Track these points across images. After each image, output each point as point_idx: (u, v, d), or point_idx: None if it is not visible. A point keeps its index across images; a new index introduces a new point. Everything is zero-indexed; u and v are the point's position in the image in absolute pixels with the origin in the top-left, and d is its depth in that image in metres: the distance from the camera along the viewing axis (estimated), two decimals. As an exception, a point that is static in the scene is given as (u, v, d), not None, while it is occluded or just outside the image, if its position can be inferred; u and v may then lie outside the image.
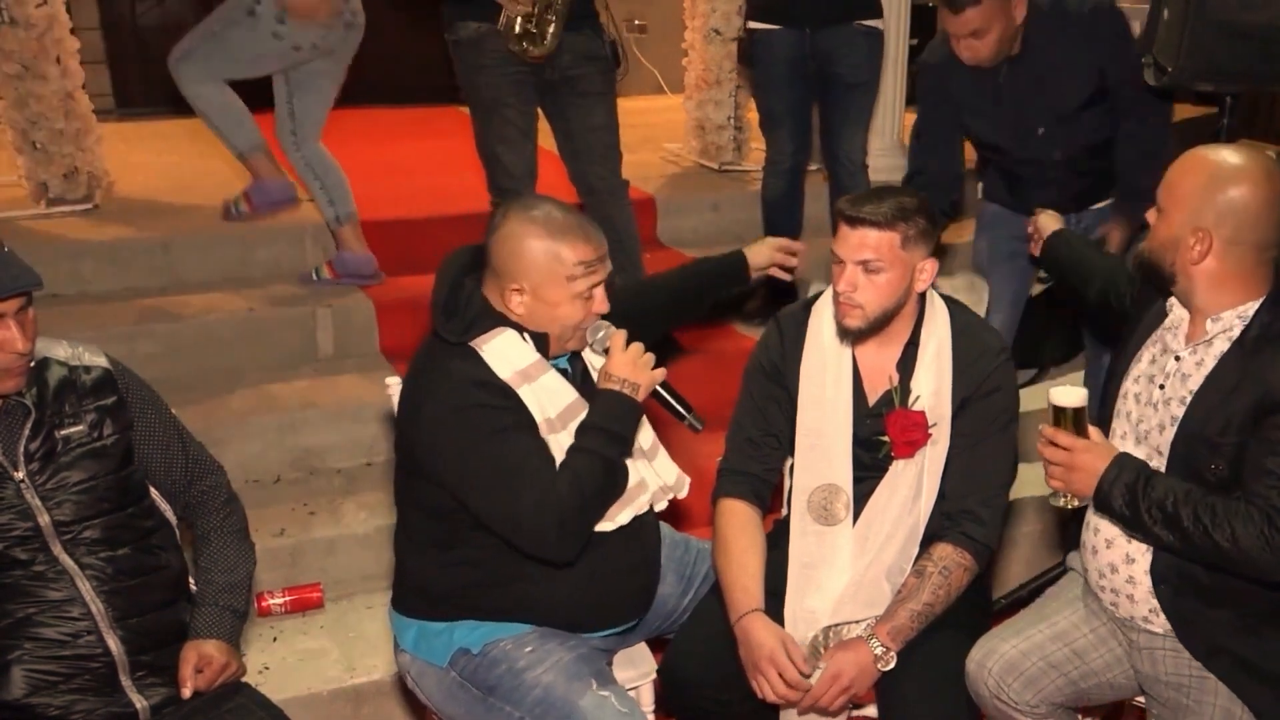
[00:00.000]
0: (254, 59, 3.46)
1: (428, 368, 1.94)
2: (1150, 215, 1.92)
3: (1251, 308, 1.83)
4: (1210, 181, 1.80)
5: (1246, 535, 1.74)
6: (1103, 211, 3.01)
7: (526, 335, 1.92)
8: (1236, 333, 1.84)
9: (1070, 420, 1.87)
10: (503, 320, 1.92)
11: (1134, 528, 1.86)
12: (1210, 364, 1.86)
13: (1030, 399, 2.75)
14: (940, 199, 2.94)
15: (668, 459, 2.12)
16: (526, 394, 1.89)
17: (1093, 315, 2.60)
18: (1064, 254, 2.49)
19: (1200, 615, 1.89)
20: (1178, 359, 1.91)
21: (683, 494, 2.12)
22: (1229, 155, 1.82)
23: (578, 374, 2.04)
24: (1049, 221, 2.57)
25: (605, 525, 1.94)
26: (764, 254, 2.38)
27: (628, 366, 1.91)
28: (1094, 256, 2.44)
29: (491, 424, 1.85)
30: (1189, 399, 1.86)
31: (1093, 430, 1.90)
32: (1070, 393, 1.88)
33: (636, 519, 2.00)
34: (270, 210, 3.79)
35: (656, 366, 1.96)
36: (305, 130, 3.57)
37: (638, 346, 1.93)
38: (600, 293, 1.94)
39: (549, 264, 1.88)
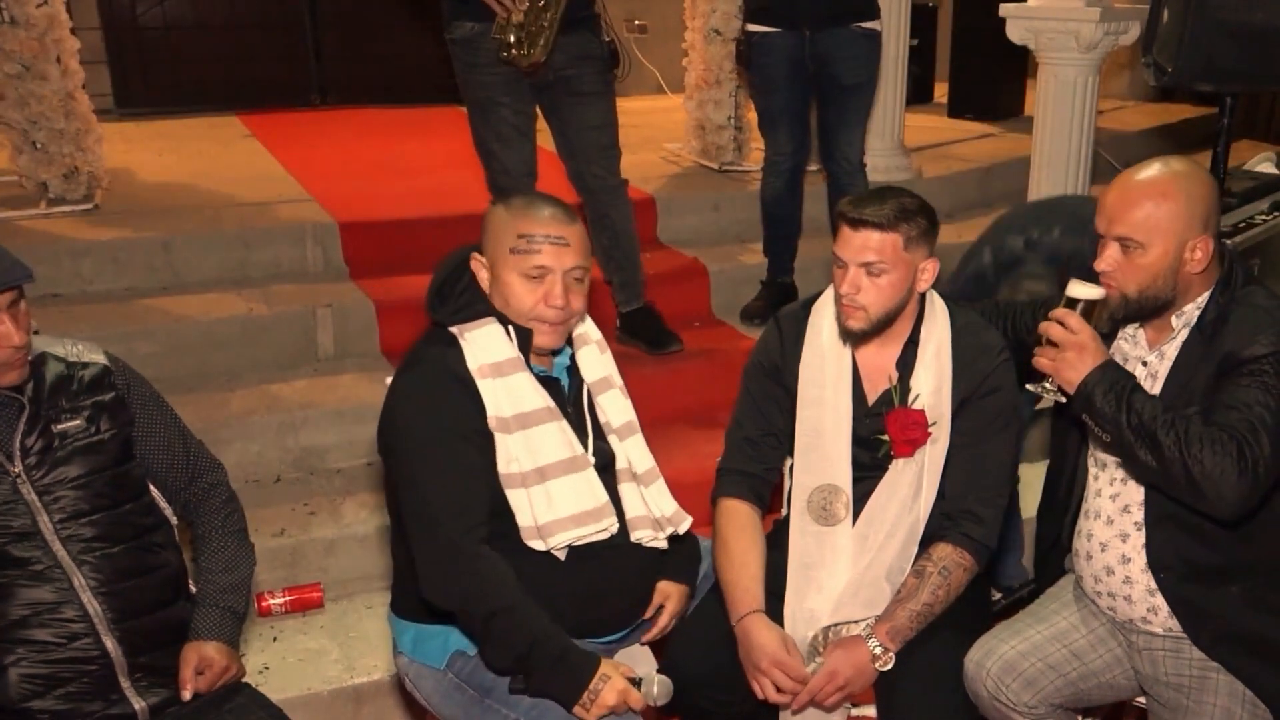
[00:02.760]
0: None
1: (408, 353, 1.98)
2: (1110, 262, 1.87)
3: (1205, 296, 1.89)
4: (1179, 193, 1.84)
5: (1213, 461, 1.72)
6: None
7: (511, 329, 1.92)
8: (1194, 320, 1.89)
9: (1080, 312, 1.87)
10: (493, 311, 1.93)
11: (1107, 426, 1.84)
12: (1174, 354, 1.91)
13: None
14: None
15: (666, 492, 2.08)
16: (486, 388, 1.88)
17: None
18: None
19: (1205, 597, 1.89)
20: (1145, 364, 1.95)
21: (682, 530, 2.07)
22: (1167, 165, 1.88)
23: (572, 391, 2.02)
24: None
25: (535, 543, 1.90)
26: None
27: (597, 702, 1.82)
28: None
29: (428, 426, 1.85)
30: (1160, 392, 1.90)
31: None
32: (1087, 286, 1.88)
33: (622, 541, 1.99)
34: None
35: None
36: None
37: (622, 697, 1.83)
38: (555, 283, 1.89)
39: (499, 236, 1.90)
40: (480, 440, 1.88)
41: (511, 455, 1.89)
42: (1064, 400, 1.93)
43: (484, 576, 1.83)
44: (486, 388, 1.89)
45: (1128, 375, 1.86)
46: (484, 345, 1.90)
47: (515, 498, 1.90)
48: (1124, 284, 1.88)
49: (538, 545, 1.90)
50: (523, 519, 1.90)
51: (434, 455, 1.86)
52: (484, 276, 1.95)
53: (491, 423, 1.88)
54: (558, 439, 1.92)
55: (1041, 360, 1.88)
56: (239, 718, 1.89)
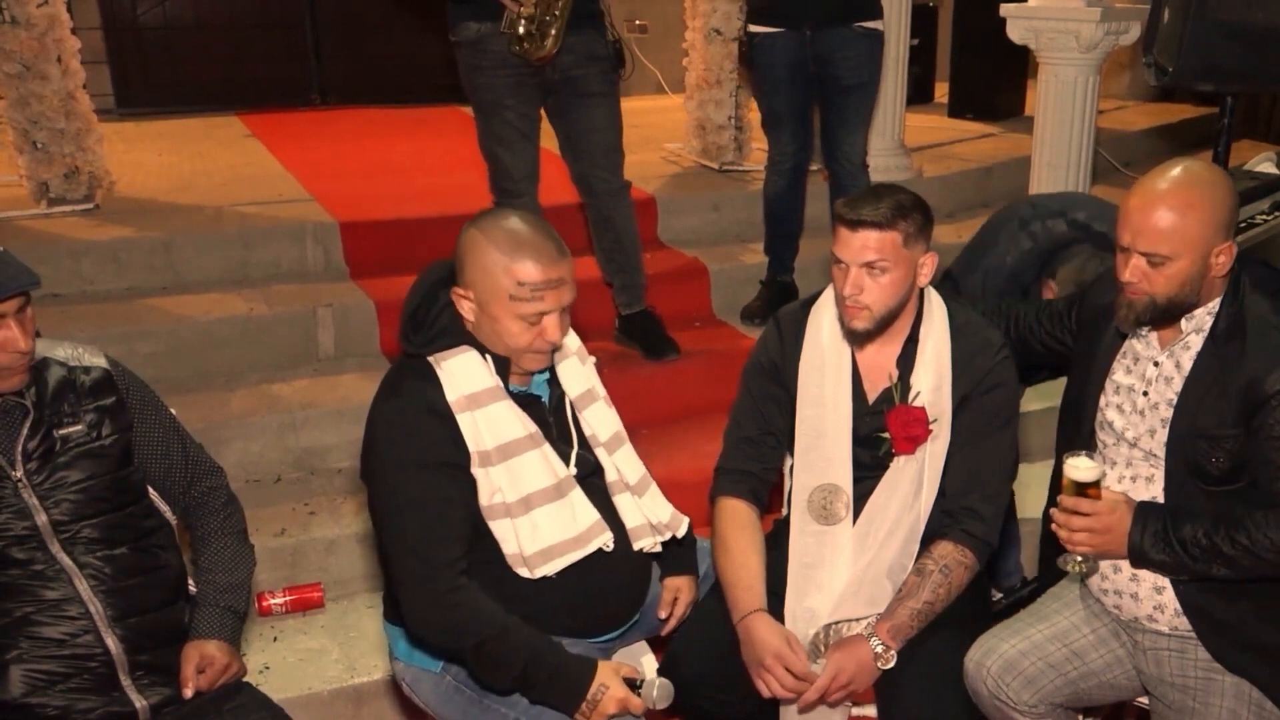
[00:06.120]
0: None
1: (385, 382, 1.95)
2: (1136, 273, 1.85)
3: (1217, 301, 1.88)
4: (1204, 203, 1.82)
5: None
6: None
7: (488, 357, 1.90)
8: (1207, 327, 1.88)
9: (1087, 493, 1.89)
10: (469, 339, 1.90)
11: (1178, 570, 1.87)
12: (1188, 363, 1.90)
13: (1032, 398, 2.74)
14: None
15: (660, 497, 2.09)
16: (465, 422, 1.86)
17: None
18: None
19: (1222, 609, 1.89)
20: (1156, 364, 1.94)
21: (681, 532, 2.08)
22: (1188, 173, 1.84)
23: (553, 402, 2.00)
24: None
25: (522, 570, 1.89)
26: None
27: (596, 710, 1.84)
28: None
29: (406, 458, 1.84)
30: (1175, 400, 1.89)
31: (1105, 491, 1.91)
32: (1086, 467, 1.88)
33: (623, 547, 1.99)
34: None
35: None
36: None
37: (621, 705, 1.85)
38: (552, 321, 1.85)
39: (495, 278, 1.83)
40: (458, 473, 1.86)
41: (495, 487, 1.87)
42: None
43: (466, 610, 1.83)
44: (466, 421, 1.86)
45: (1160, 511, 1.87)
46: (462, 376, 1.87)
47: (500, 528, 1.89)
48: (1152, 291, 1.85)
49: (524, 573, 1.90)
50: (508, 548, 1.90)
51: (412, 490, 1.85)
52: (468, 308, 1.88)
53: (474, 458, 1.86)
54: (540, 467, 1.90)
55: (1083, 548, 1.91)
56: (239, 717, 1.89)
